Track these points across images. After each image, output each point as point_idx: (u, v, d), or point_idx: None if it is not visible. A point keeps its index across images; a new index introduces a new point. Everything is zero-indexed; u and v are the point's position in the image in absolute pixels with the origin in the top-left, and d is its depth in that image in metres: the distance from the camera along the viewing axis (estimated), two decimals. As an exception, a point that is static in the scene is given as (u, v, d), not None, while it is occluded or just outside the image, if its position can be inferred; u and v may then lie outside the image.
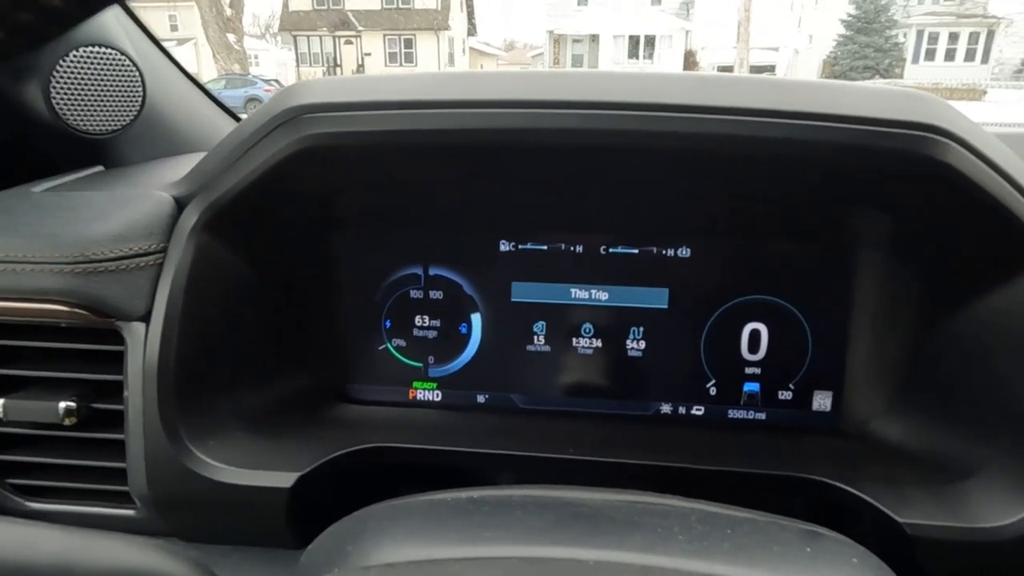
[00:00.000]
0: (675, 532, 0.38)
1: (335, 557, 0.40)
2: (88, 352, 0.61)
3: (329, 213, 0.69)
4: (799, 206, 0.64)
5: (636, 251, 0.70)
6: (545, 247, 0.71)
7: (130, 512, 0.61)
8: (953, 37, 25.20)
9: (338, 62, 28.17)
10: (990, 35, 25.15)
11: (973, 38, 25.18)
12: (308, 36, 28.40)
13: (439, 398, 0.76)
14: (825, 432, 0.70)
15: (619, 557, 0.34)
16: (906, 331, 0.65)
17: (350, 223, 0.71)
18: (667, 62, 27.10)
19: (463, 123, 0.53)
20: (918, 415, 0.63)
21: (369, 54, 28.27)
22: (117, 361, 0.59)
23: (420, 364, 0.75)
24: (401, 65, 28.09)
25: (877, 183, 0.56)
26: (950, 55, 25.20)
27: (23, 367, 0.61)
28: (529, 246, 0.72)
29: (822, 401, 0.72)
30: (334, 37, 28.10)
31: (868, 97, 0.51)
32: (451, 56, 29.70)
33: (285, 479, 0.58)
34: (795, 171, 0.56)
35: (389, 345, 0.75)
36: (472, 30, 34.02)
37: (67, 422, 0.58)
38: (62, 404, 0.58)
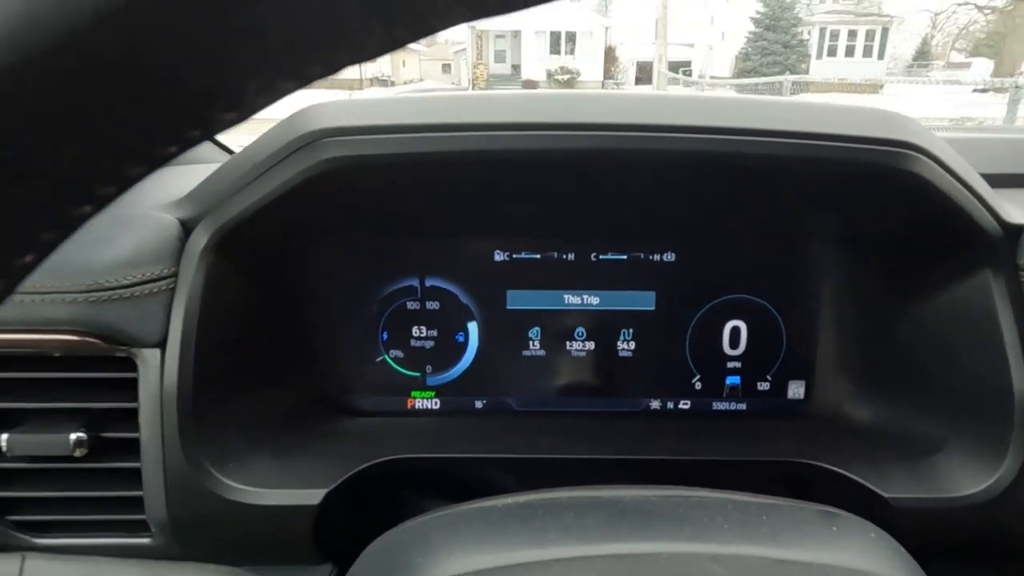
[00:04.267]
0: (719, 521, 0.41)
1: (400, 570, 0.41)
2: (91, 381, 0.59)
3: (329, 229, 0.69)
4: (778, 212, 0.70)
5: (625, 257, 0.74)
6: (538, 255, 0.74)
7: (145, 540, 0.60)
8: (852, 34, 26.74)
9: (253, 58, 27.06)
10: (884, 32, 26.84)
11: (870, 35, 26.79)
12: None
13: (437, 406, 0.77)
14: (800, 416, 0.76)
15: (683, 548, 0.38)
16: (870, 322, 0.72)
17: (348, 238, 0.72)
18: (588, 57, 27.55)
19: (475, 145, 0.56)
20: (884, 398, 0.70)
21: (286, 50, 27.32)
22: (127, 388, 0.58)
23: (418, 374, 0.77)
24: (320, 61, 27.27)
25: (849, 191, 0.62)
26: (850, 51, 26.73)
27: (18, 400, 0.59)
28: (523, 255, 0.74)
29: (796, 390, 0.78)
30: (248, 32, 26.99)
31: (850, 116, 0.56)
32: (372, 52, 29.03)
33: (313, 496, 0.58)
34: (780, 183, 0.61)
35: (386, 356, 0.76)
36: (392, 25, 33.39)
37: (77, 453, 0.57)
38: (73, 435, 0.57)
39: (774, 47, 24.73)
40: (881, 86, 18.43)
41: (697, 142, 0.55)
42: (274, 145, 0.56)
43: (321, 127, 0.55)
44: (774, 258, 0.74)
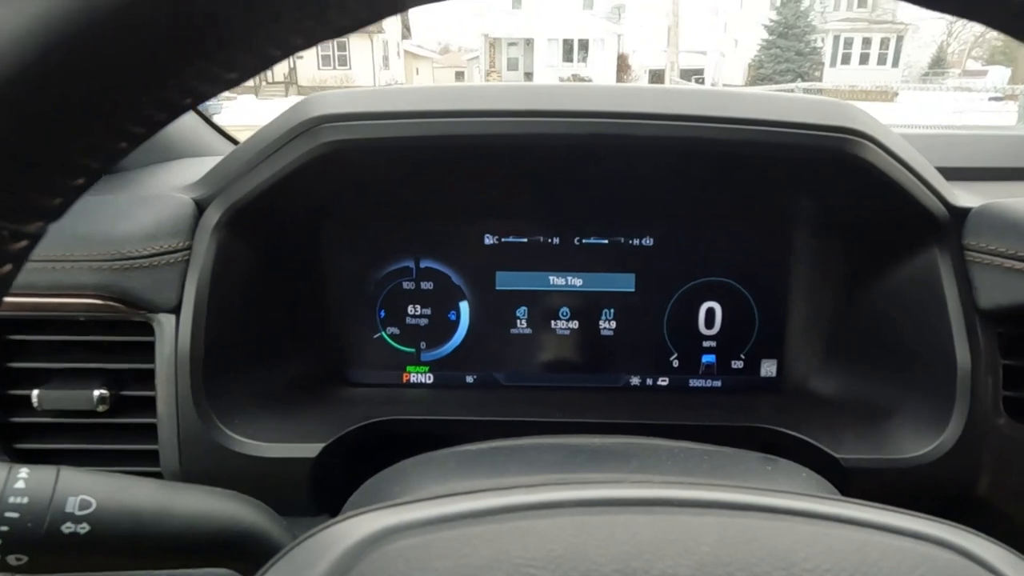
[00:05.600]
0: (664, 459, 0.47)
1: (382, 498, 0.47)
2: (112, 344, 0.66)
3: (330, 212, 0.75)
4: (745, 198, 0.75)
5: (606, 241, 0.80)
6: (525, 239, 0.80)
7: None
8: (866, 42, 26.71)
9: (269, 65, 27.46)
10: (899, 40, 26.77)
11: (884, 43, 26.74)
12: (237, 38, 27.50)
13: (431, 380, 0.83)
14: (771, 391, 0.81)
15: (627, 478, 0.43)
16: (835, 301, 0.76)
17: (349, 221, 0.77)
18: (600, 65, 27.66)
19: (466, 130, 0.61)
20: (847, 370, 0.75)
21: (301, 57, 27.78)
22: (144, 351, 0.64)
23: (412, 350, 0.82)
24: (335, 68, 27.68)
25: (809, 176, 0.67)
26: (864, 59, 26.70)
27: (47, 360, 0.66)
28: (511, 239, 0.80)
29: (768, 368, 0.82)
30: (264, 39, 27.32)
31: (802, 106, 0.62)
32: (385, 59, 29.46)
33: (310, 450, 0.64)
34: (744, 168, 0.66)
35: (383, 333, 0.82)
36: (406, 33, 33.83)
37: (100, 409, 0.63)
38: (96, 392, 0.63)
39: (787, 54, 24.72)
40: (896, 94, 18.38)
41: (662, 128, 0.60)
42: (278, 131, 0.62)
43: (320, 113, 0.61)
44: (746, 242, 0.79)
